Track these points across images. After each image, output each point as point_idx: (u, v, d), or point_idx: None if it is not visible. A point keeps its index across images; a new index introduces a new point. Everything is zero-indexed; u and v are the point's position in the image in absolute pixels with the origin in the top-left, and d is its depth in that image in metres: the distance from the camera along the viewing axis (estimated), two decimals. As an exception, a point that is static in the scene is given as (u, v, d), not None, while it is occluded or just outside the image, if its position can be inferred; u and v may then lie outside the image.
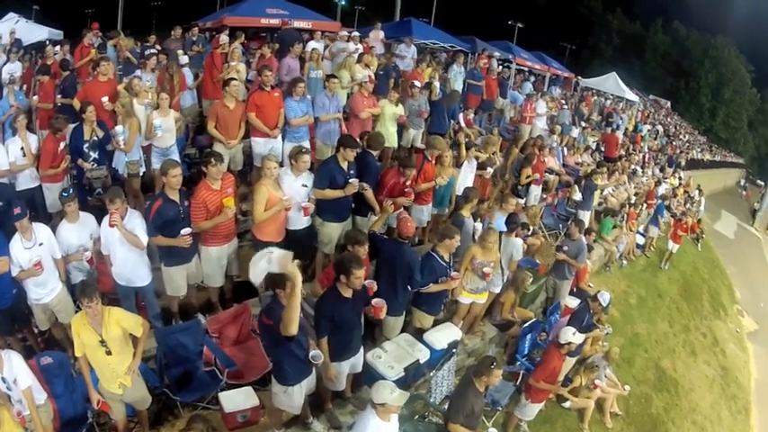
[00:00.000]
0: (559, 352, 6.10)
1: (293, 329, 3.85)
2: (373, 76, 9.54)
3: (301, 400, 4.55)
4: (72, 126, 6.80)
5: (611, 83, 23.11)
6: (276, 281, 4.01)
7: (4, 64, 9.52)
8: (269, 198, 5.58)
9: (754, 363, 15.84)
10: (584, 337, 6.62)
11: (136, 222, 5.22)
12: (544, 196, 10.36)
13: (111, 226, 5.02)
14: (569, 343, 6.04)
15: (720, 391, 12.55)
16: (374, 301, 4.90)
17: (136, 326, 4.45)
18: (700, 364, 12.70)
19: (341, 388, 5.07)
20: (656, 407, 9.57)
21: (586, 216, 10.25)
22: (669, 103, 48.16)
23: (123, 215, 5.15)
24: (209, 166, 5.40)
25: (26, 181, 6.62)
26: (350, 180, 5.99)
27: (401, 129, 8.99)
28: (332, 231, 6.26)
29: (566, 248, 8.05)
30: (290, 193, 5.84)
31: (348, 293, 4.55)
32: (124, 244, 5.15)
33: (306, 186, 5.98)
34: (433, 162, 7.24)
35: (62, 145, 6.48)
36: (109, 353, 4.27)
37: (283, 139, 7.53)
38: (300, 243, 5.91)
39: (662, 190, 16.69)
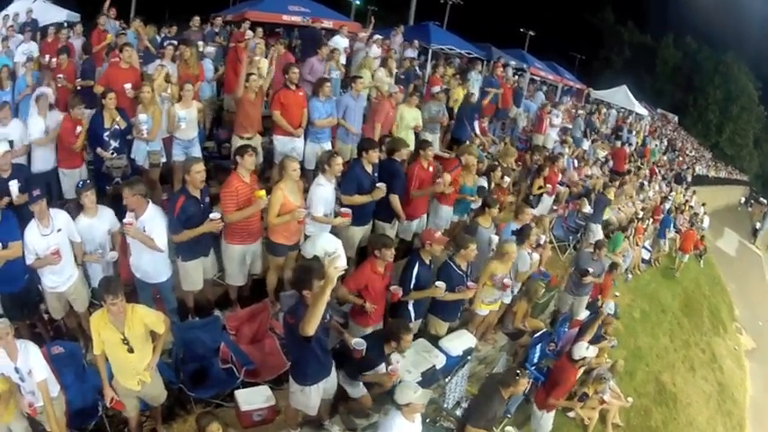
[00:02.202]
0: (575, 368, 6.18)
1: (311, 330, 3.80)
2: (392, 82, 9.61)
3: (318, 400, 4.54)
4: (89, 112, 6.71)
5: (621, 95, 23.17)
6: (303, 282, 4.02)
7: (20, 44, 9.40)
8: (284, 203, 5.39)
9: (750, 380, 16.02)
10: (596, 350, 6.70)
11: (156, 223, 5.00)
12: (555, 207, 10.42)
13: (127, 233, 4.89)
14: (584, 358, 6.12)
15: (717, 407, 12.70)
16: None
17: (158, 323, 4.34)
18: (698, 379, 12.86)
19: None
20: (655, 420, 9.71)
21: (597, 229, 10.33)
22: (677, 118, 48.20)
23: (142, 210, 4.92)
24: (246, 156, 5.32)
25: (43, 162, 6.56)
26: (377, 185, 5.96)
27: (417, 133, 8.98)
28: (354, 235, 6.24)
29: (592, 270, 8.05)
30: (327, 203, 5.74)
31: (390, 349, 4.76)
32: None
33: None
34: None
35: (78, 128, 6.34)
36: (131, 350, 4.16)
37: (305, 139, 7.52)
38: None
39: (668, 205, 16.76)
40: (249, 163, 5.37)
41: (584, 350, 6.12)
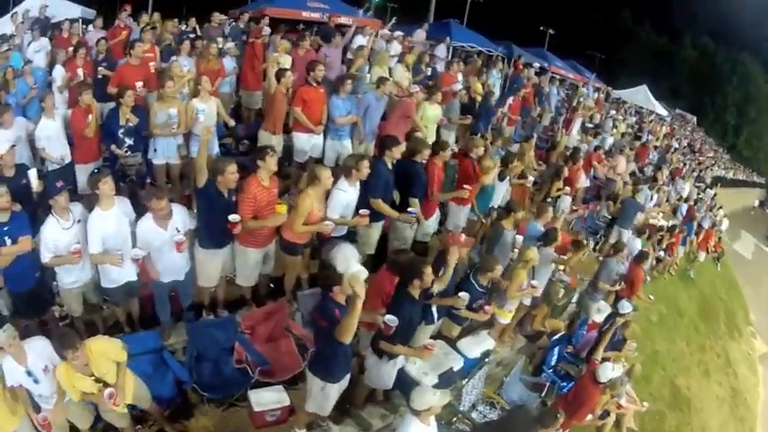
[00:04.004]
0: (599, 389, 6.07)
1: (348, 339, 3.91)
2: (411, 77, 9.56)
3: (334, 401, 4.55)
4: (103, 106, 6.69)
5: (641, 95, 22.89)
6: (332, 276, 4.05)
7: (30, 42, 9.17)
8: (311, 212, 5.27)
9: (763, 386, 15.85)
10: (621, 369, 6.61)
11: (182, 218, 4.98)
12: (575, 208, 10.31)
13: (180, 251, 4.88)
14: (610, 380, 6.01)
15: (729, 413, 12.59)
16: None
17: (118, 352, 4.16)
18: (712, 384, 12.74)
19: (390, 386, 5.15)
20: (670, 425, 9.59)
21: (626, 235, 10.17)
22: (695, 119, 47.65)
23: (167, 214, 4.83)
24: (268, 158, 5.08)
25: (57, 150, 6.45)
26: (409, 210, 5.98)
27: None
28: (373, 233, 6.21)
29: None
30: (347, 208, 5.64)
31: (416, 293, 4.65)
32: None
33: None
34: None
35: (89, 117, 6.28)
36: (107, 385, 4.03)
37: (325, 137, 7.48)
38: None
39: (703, 207, 16.52)
40: (272, 164, 5.16)
41: (610, 372, 5.99)
